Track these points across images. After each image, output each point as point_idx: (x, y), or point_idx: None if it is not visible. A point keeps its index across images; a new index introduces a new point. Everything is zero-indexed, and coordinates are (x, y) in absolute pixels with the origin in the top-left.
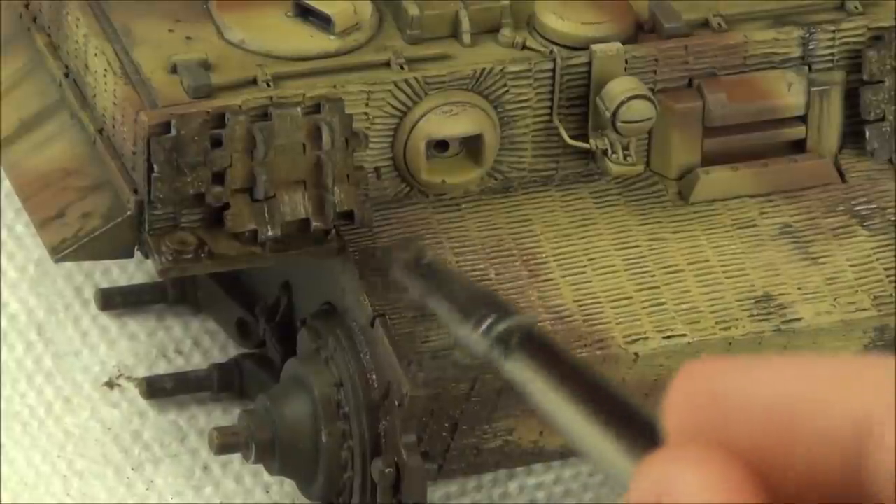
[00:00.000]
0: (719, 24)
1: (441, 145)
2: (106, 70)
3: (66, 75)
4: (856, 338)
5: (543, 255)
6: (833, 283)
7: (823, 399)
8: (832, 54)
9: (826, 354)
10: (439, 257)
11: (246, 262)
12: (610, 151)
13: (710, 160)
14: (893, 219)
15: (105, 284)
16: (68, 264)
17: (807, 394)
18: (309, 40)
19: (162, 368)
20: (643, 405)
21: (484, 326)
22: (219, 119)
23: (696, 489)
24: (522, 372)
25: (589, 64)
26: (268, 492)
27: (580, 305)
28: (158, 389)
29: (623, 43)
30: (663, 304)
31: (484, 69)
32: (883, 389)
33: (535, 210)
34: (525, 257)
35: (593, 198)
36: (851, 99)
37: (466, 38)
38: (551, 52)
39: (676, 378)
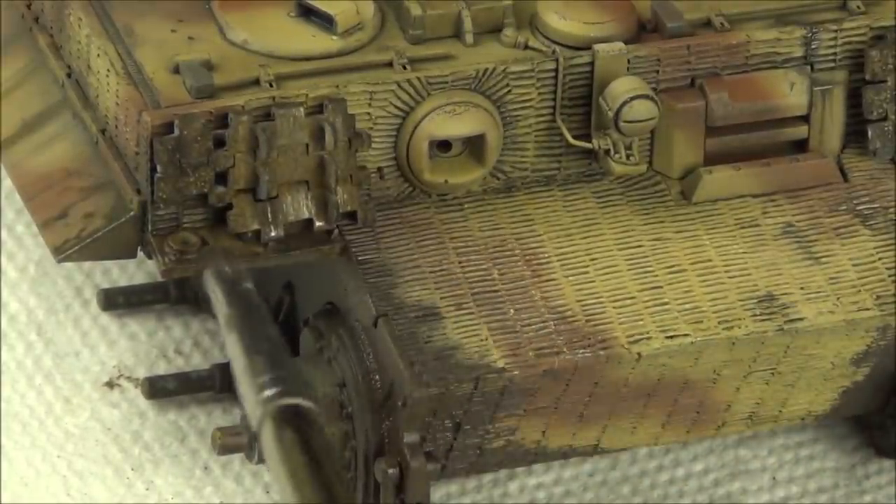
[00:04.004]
0: (721, 24)
1: (444, 145)
2: (108, 70)
3: (69, 75)
4: (858, 337)
5: (546, 255)
6: (835, 282)
7: None
8: (834, 54)
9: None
10: (253, 290)
11: (248, 263)
12: (612, 151)
13: (712, 160)
14: (895, 218)
15: (105, 285)
16: (69, 264)
17: None
18: (311, 40)
19: (162, 368)
20: None
21: (266, 393)
22: (221, 119)
23: None
24: (270, 447)
25: (591, 64)
26: (268, 492)
27: (583, 305)
28: (160, 389)
29: (626, 43)
30: (666, 303)
31: (486, 69)
32: None
33: (538, 210)
34: (528, 257)
35: (596, 198)
36: (854, 98)
37: (469, 38)
38: (554, 51)
39: None
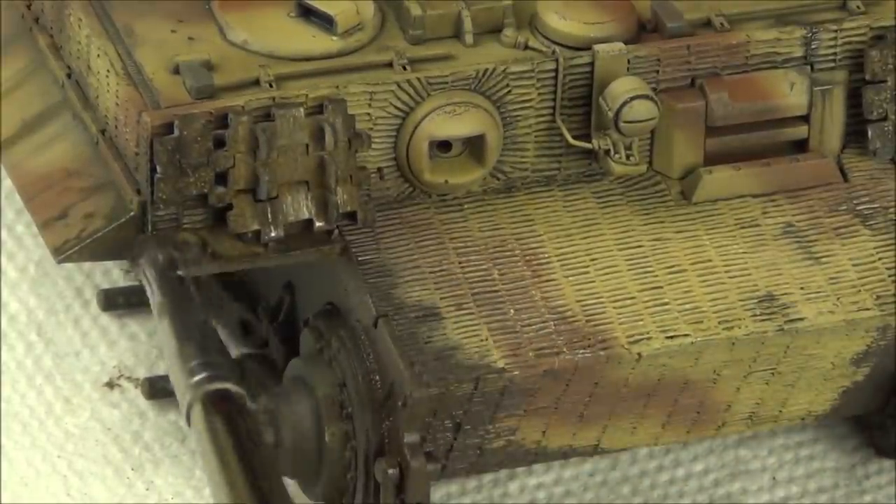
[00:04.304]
0: (721, 24)
1: (444, 146)
2: (108, 70)
3: (69, 76)
4: (858, 337)
5: (546, 256)
6: (835, 282)
7: None
8: (834, 54)
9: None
10: (192, 273)
11: (249, 263)
12: (612, 151)
13: (712, 160)
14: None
15: (105, 285)
16: (69, 265)
17: None
18: (311, 41)
19: (162, 369)
20: (281, 495)
21: (196, 378)
22: (221, 120)
23: None
24: (198, 431)
25: (591, 64)
26: None
27: (583, 305)
28: (160, 390)
29: (626, 43)
30: (666, 304)
31: (486, 69)
32: None
33: (538, 210)
34: (528, 257)
35: (596, 198)
36: (854, 98)
37: (469, 38)
38: (554, 52)
39: None
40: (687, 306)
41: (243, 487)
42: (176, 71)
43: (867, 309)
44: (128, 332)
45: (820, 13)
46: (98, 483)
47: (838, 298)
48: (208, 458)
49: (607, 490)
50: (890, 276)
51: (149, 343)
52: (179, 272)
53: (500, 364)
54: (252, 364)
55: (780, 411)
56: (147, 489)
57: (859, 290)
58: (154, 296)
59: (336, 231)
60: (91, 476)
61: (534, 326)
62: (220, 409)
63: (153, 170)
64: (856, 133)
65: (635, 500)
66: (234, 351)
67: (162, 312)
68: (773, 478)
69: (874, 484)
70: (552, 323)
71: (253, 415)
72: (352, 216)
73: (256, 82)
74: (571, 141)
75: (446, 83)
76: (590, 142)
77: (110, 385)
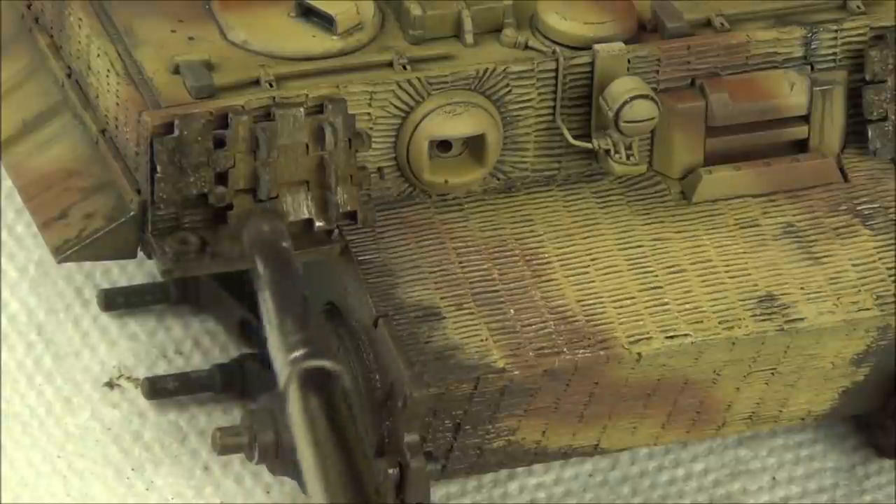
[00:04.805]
0: (721, 24)
1: (444, 145)
2: (108, 70)
3: (69, 76)
4: (858, 337)
5: (546, 255)
6: (835, 282)
7: None
8: (834, 54)
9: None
10: (291, 250)
11: (248, 263)
12: (613, 151)
13: (712, 160)
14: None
15: (105, 285)
16: (69, 264)
17: None
18: (311, 41)
19: (162, 369)
20: (372, 475)
21: (294, 355)
22: (222, 119)
23: None
24: (297, 411)
25: (592, 64)
26: (268, 492)
27: (583, 305)
28: (160, 390)
29: (626, 43)
30: (666, 304)
31: (486, 69)
32: None
33: (538, 210)
34: (528, 257)
35: (596, 198)
36: (854, 98)
37: (469, 38)
38: (554, 52)
39: None
40: (687, 306)
41: (334, 466)
42: (176, 71)
43: (867, 309)
44: (128, 332)
45: (820, 13)
46: (98, 483)
47: (838, 298)
48: (301, 436)
49: (607, 490)
50: (890, 276)
51: (149, 343)
52: (284, 244)
53: (501, 364)
54: (252, 364)
55: (781, 411)
56: (147, 489)
57: (859, 290)
58: (258, 268)
59: (336, 231)
60: (91, 476)
61: (534, 326)
62: (316, 386)
63: (153, 169)
64: (856, 133)
65: (635, 500)
66: (234, 351)
67: (263, 285)
68: (773, 478)
69: (874, 484)
70: (552, 323)
71: (349, 392)
72: (352, 216)
73: (256, 82)
74: (572, 141)
75: (446, 83)
76: (590, 142)
77: (110, 385)
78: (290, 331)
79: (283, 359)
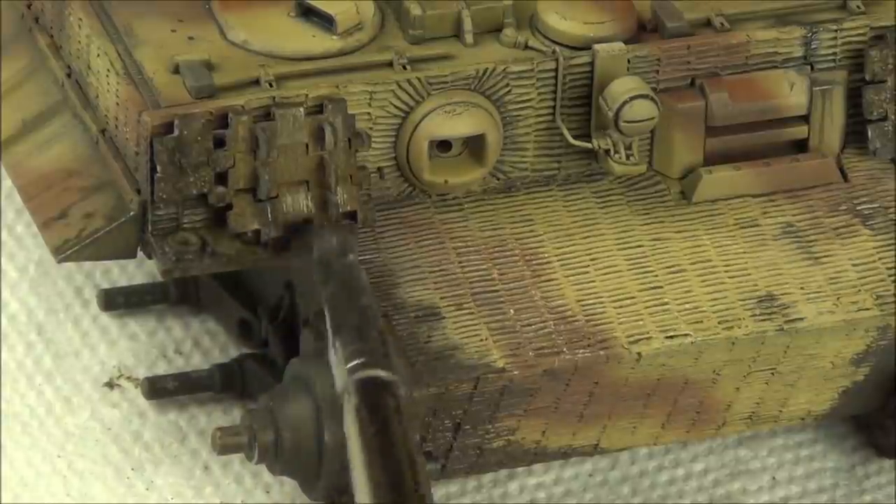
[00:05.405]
0: (721, 24)
1: (443, 145)
2: (108, 70)
3: (69, 75)
4: (858, 337)
5: (546, 255)
6: (835, 282)
7: None
8: (834, 54)
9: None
10: (357, 262)
11: (248, 263)
12: (612, 151)
13: (712, 160)
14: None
15: (105, 285)
16: (69, 265)
17: None
18: (311, 40)
19: (162, 369)
20: (419, 479)
21: (351, 364)
22: (221, 119)
23: None
24: (350, 418)
25: (591, 64)
26: (268, 492)
27: (583, 305)
28: (160, 389)
29: (626, 42)
30: (666, 303)
31: (486, 69)
32: None
33: (538, 210)
34: (528, 257)
35: (596, 198)
36: (853, 98)
37: (469, 37)
38: (554, 51)
39: None
40: (687, 306)
41: (382, 475)
42: (176, 70)
43: (867, 309)
44: (128, 332)
45: (820, 13)
46: (98, 483)
47: (838, 298)
48: (352, 443)
49: (607, 490)
50: (890, 275)
51: (149, 343)
52: (350, 257)
53: (500, 364)
54: (252, 364)
55: (780, 411)
56: (147, 489)
57: (859, 290)
58: (322, 283)
59: None
60: (91, 476)
61: (533, 326)
62: (371, 395)
63: (153, 169)
64: (856, 133)
65: (635, 500)
66: (234, 351)
67: (328, 298)
68: (773, 478)
69: (874, 484)
70: (552, 323)
71: (404, 401)
72: (352, 216)
73: (256, 82)
74: (571, 140)
75: (446, 83)
76: (590, 141)
77: (110, 385)
78: (347, 341)
79: (340, 368)
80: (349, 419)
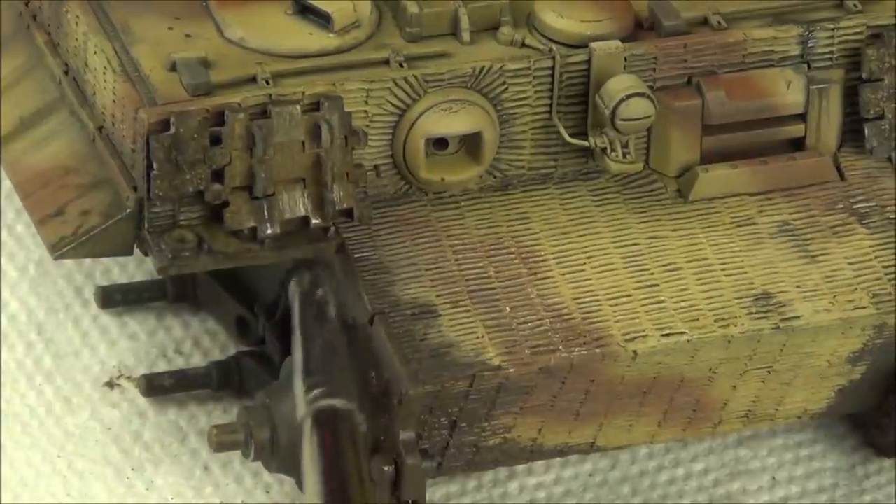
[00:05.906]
0: (718, 23)
1: (440, 143)
2: (105, 68)
3: (66, 73)
4: (854, 336)
5: (542, 253)
6: (832, 280)
7: None
8: (831, 52)
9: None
10: (328, 296)
11: (245, 260)
12: (609, 149)
13: (709, 158)
14: (892, 217)
15: (105, 283)
16: (69, 264)
17: None
18: (308, 38)
19: (162, 368)
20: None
21: (312, 394)
22: (218, 117)
23: None
24: (307, 443)
25: (588, 62)
26: (268, 492)
27: (579, 303)
28: (157, 387)
29: (622, 41)
30: (662, 301)
31: (483, 67)
32: None
33: (535, 208)
34: (524, 255)
35: (592, 196)
36: (850, 97)
37: (466, 35)
38: (550, 49)
39: None
40: (683, 304)
41: (332, 499)
42: (173, 68)
43: (863, 307)
44: (128, 331)
45: (817, 12)
46: (98, 483)
47: (834, 297)
48: (309, 469)
49: (607, 490)
50: (886, 274)
51: (149, 342)
52: (319, 291)
53: (496, 361)
54: (249, 361)
55: (777, 409)
56: (147, 489)
57: (855, 289)
58: (295, 313)
59: (332, 228)
60: (91, 476)
61: (530, 324)
62: (327, 424)
63: (150, 166)
64: (853, 131)
65: (635, 500)
66: (231, 348)
67: (297, 328)
68: (773, 478)
69: (874, 484)
70: (548, 320)
71: (360, 431)
72: (348, 213)
73: (253, 79)
74: (568, 139)
75: (443, 81)
76: (586, 139)
77: (110, 385)
78: (310, 372)
79: (301, 398)
80: (306, 445)
